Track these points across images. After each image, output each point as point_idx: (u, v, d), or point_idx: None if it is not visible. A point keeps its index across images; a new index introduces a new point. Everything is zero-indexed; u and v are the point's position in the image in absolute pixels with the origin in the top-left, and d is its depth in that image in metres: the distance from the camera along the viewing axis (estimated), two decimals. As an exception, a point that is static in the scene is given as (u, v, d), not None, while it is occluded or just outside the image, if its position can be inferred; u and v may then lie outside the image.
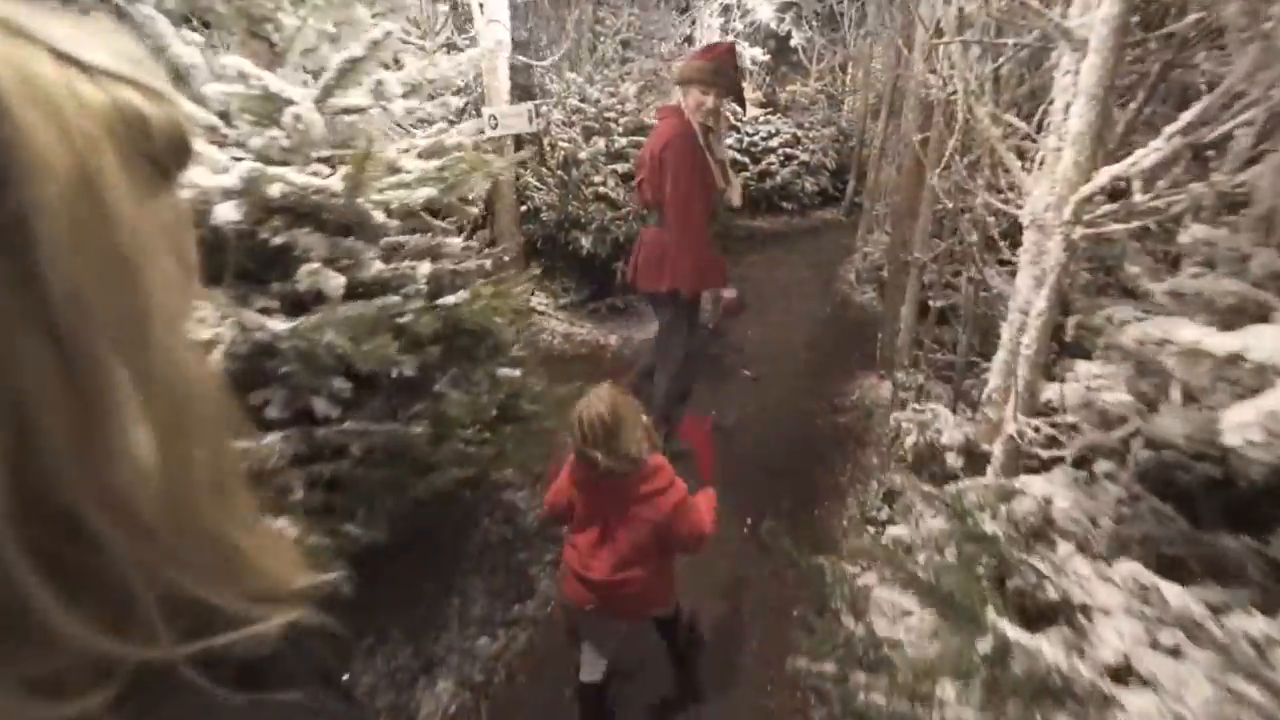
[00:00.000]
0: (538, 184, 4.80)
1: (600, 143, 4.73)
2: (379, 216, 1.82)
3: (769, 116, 9.16)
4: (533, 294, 5.41)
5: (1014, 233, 2.92)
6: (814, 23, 8.19)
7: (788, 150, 9.13)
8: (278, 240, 1.69)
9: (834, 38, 8.75)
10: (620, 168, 4.72)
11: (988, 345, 3.02)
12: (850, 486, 3.36)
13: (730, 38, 7.88)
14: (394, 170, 2.00)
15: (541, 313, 5.32)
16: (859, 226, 6.63)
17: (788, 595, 2.69)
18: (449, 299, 2.10)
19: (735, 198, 3.39)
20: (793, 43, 7.56)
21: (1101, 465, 1.61)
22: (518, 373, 2.70)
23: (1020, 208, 2.01)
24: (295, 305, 1.76)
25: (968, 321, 2.85)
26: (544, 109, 4.92)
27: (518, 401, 2.52)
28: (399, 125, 2.78)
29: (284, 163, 1.70)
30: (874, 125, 10.34)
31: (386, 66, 2.23)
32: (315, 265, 1.61)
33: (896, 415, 2.36)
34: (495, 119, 4.43)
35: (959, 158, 2.36)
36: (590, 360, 4.88)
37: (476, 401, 2.27)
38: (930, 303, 3.56)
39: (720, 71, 2.95)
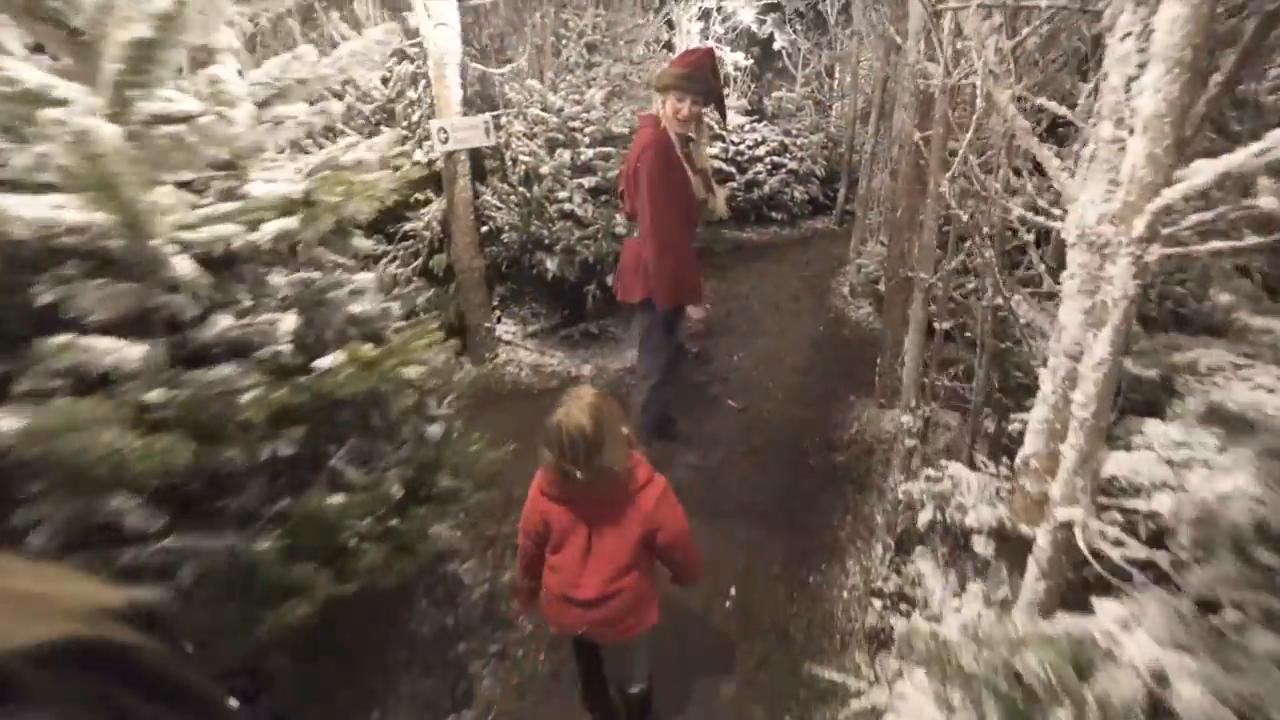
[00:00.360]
0: (497, 202, 4.31)
1: (565, 155, 4.25)
2: (181, 263, 1.31)
3: (754, 124, 8.71)
4: (499, 321, 4.92)
5: (1043, 245, 2.47)
6: (798, 25, 7.75)
7: (775, 159, 8.67)
8: (45, 297, 1.20)
9: (819, 41, 8.31)
10: (588, 181, 4.23)
11: (1008, 378, 2.53)
12: (850, 544, 2.85)
13: (710, 43, 7.44)
14: (230, 197, 1.51)
15: (508, 342, 4.83)
16: (852, 236, 6.16)
17: (780, 688, 2.18)
18: (324, 361, 1.60)
19: (720, 209, 3.20)
20: (776, 46, 7.13)
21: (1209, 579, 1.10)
22: (438, 429, 2.21)
23: (1059, 218, 1.51)
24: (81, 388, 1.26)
25: (983, 351, 2.35)
26: (504, 120, 4.45)
27: (435, 476, 2.02)
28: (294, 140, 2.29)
29: (51, 189, 1.21)
30: (864, 129, 9.92)
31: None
32: (66, 339, 1.12)
33: (907, 487, 1.86)
34: (446, 132, 3.96)
35: (972, 156, 1.87)
36: (561, 396, 4.37)
37: (375, 487, 1.78)
38: (936, 324, 3.07)
39: (696, 79, 2.76)
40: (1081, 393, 1.34)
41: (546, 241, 4.24)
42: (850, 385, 4.30)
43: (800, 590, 2.67)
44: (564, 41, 4.34)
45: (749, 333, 5.33)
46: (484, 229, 4.52)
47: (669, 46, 7.31)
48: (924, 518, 1.73)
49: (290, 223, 1.45)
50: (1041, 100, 1.54)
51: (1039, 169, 2.14)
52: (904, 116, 3.27)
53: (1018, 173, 2.06)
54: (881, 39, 5.07)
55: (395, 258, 4.68)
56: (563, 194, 4.24)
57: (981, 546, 1.62)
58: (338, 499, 1.70)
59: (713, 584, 2.72)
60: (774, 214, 8.77)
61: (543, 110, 4.22)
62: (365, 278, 2.16)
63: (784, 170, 8.70)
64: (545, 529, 1.66)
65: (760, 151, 8.61)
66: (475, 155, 4.59)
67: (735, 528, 3.05)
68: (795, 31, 7.30)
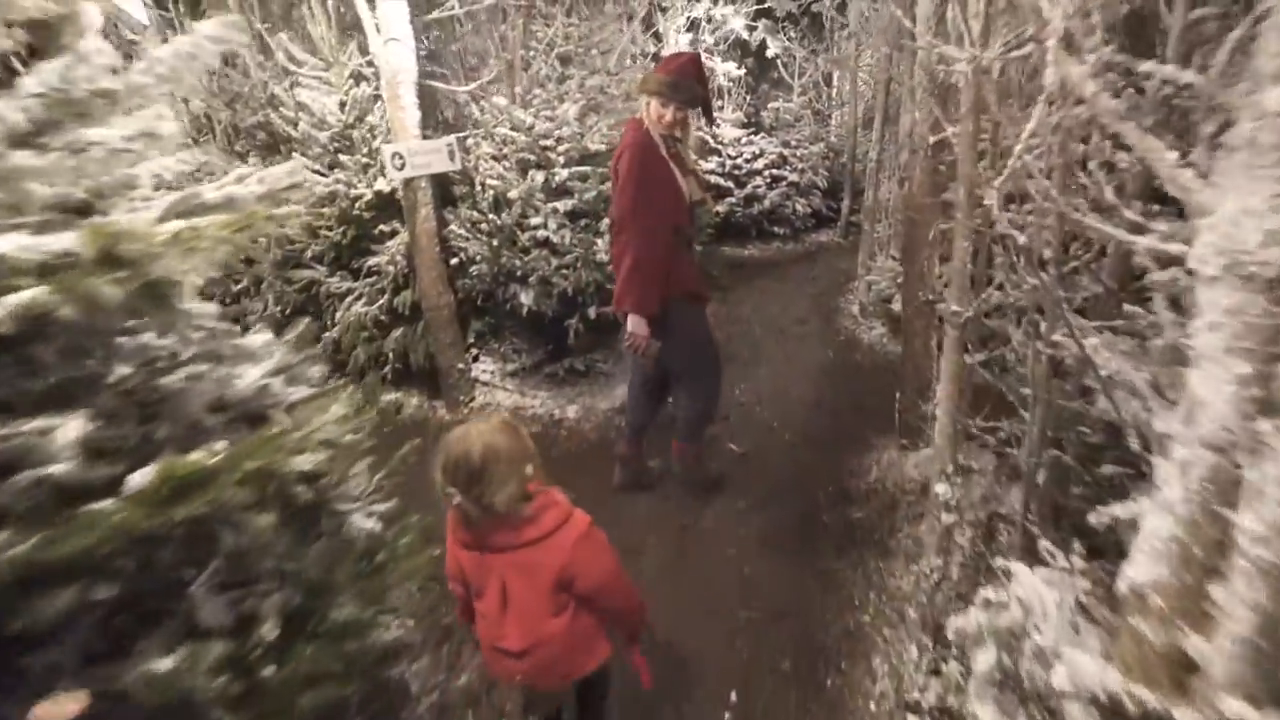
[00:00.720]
0: (464, 231, 3.86)
1: (538, 177, 3.80)
2: None
3: (751, 137, 8.27)
4: (475, 360, 4.45)
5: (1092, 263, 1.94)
6: (790, 31, 7.31)
7: (774, 171, 8.22)
8: None
9: (815, 48, 7.88)
10: (564, 205, 3.77)
11: (1065, 428, 2.00)
12: (875, 634, 2.31)
13: (699, 52, 7.04)
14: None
15: (486, 383, 4.35)
16: (859, 250, 5.65)
17: None
18: (137, 478, 1.13)
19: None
20: (770, 53, 6.70)
21: None
22: (360, 523, 1.74)
23: (1179, 240, 1.02)
24: None
25: (1038, 404, 1.83)
26: (470, 142, 4.01)
27: (332, 601, 1.53)
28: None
29: None
30: (867, 137, 9.44)
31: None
32: None
33: (956, 623, 1.34)
34: (402, 158, 3.52)
35: (1027, 155, 1.38)
36: (542, 443, 3.87)
37: (241, 629, 1.29)
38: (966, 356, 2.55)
39: (681, 86, 2.63)
40: (1257, 519, 0.83)
41: (519, 273, 3.77)
42: (866, 421, 3.77)
43: (816, 696, 2.14)
44: (532, 54, 3.90)
45: (751, 361, 4.82)
46: (454, 260, 4.07)
47: (656, 59, 6.90)
48: (983, 662, 1.22)
49: (37, 294, 0.97)
50: (1150, 65, 1.04)
51: (1109, 168, 1.63)
52: (916, 116, 2.78)
53: (1083, 170, 1.56)
54: (883, 34, 4.60)
55: (361, 295, 4.24)
56: (536, 220, 3.79)
57: (1077, 715, 1.10)
58: (173, 658, 1.22)
59: (708, 685, 2.20)
60: (775, 229, 8.29)
61: (511, 129, 3.77)
62: (251, 341, 1.69)
63: (784, 183, 8.24)
64: (463, 574, 1.50)
65: (758, 165, 8.16)
66: (442, 182, 4.16)
67: (735, 606, 2.53)
68: (789, 39, 6.87)
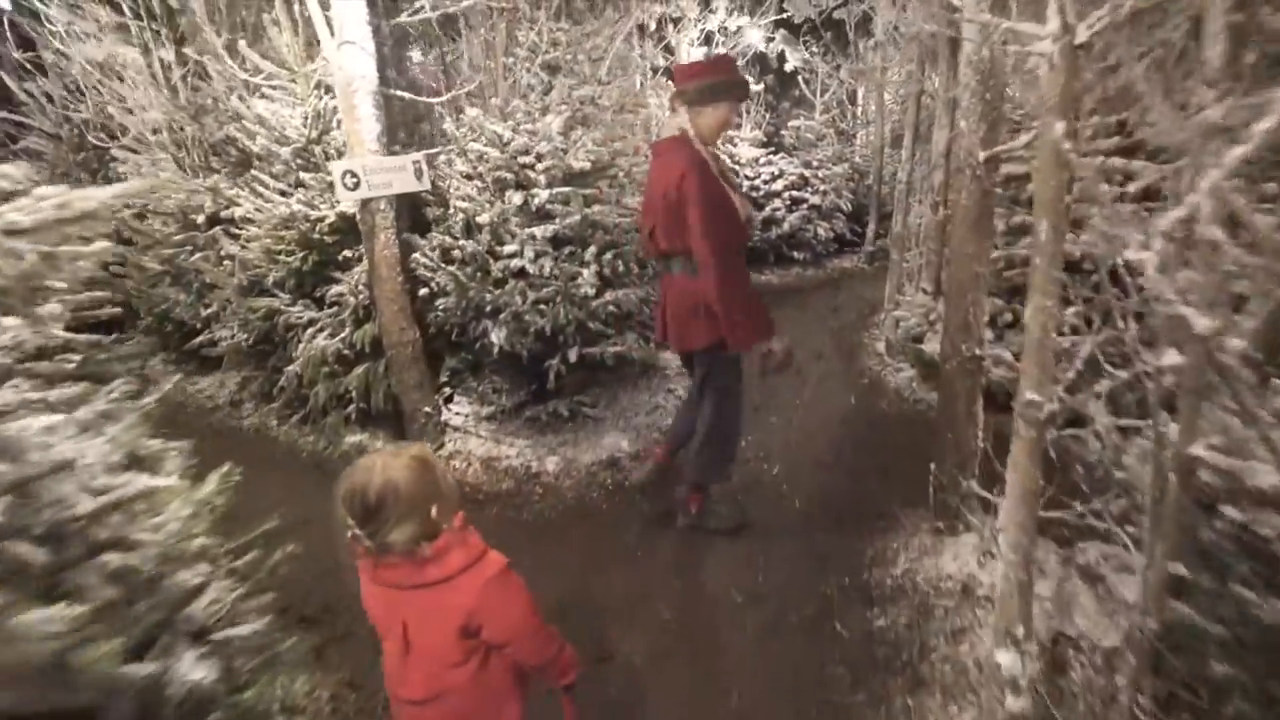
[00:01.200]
0: (429, 261, 3.33)
1: (515, 198, 3.27)
2: None
3: (770, 156, 7.70)
4: (449, 401, 3.91)
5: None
6: (813, 45, 6.74)
7: (795, 193, 7.63)
8: None
9: (839, 63, 7.29)
10: (543, 230, 3.23)
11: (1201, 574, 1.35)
12: (910, 824, 1.67)
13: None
14: None
15: (458, 428, 3.80)
16: (886, 280, 5.00)
17: None
18: None
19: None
20: (789, 66, 6.15)
21: None
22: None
23: None
24: None
25: (1158, 532, 1.20)
26: (442, 160, 3.51)
27: None
28: None
29: None
30: (895, 155, 8.78)
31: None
32: None
33: None
34: (356, 176, 3.02)
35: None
36: (514, 502, 3.31)
37: None
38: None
39: (739, 82, 2.44)
40: None
41: (489, 307, 3.23)
42: (893, 490, 3.12)
43: None
44: (512, 61, 3.39)
45: (762, 407, 4.20)
46: (424, 291, 3.55)
47: (669, 73, 6.40)
48: None
49: None
50: None
51: None
52: (962, 126, 2.18)
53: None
54: (914, 42, 4.00)
55: (324, 326, 3.74)
56: (510, 247, 3.25)
57: None
58: None
59: None
60: (795, 253, 7.68)
61: (485, 144, 3.25)
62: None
63: (805, 205, 7.63)
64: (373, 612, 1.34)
65: (778, 186, 7.58)
66: (414, 204, 3.66)
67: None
68: (811, 52, 6.30)
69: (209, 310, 4.36)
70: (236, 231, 3.85)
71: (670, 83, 6.41)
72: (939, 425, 2.66)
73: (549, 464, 3.61)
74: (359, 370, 3.67)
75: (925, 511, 2.84)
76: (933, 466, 2.72)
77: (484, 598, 1.23)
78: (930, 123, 4.92)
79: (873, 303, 6.22)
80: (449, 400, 3.89)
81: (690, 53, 6.07)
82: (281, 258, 3.64)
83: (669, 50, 6.12)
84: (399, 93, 3.25)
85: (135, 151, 4.22)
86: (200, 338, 4.36)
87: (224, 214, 4.00)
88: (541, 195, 3.23)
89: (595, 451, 3.69)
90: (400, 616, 1.26)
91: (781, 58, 6.10)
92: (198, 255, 4.11)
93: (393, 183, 3.17)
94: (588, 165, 3.25)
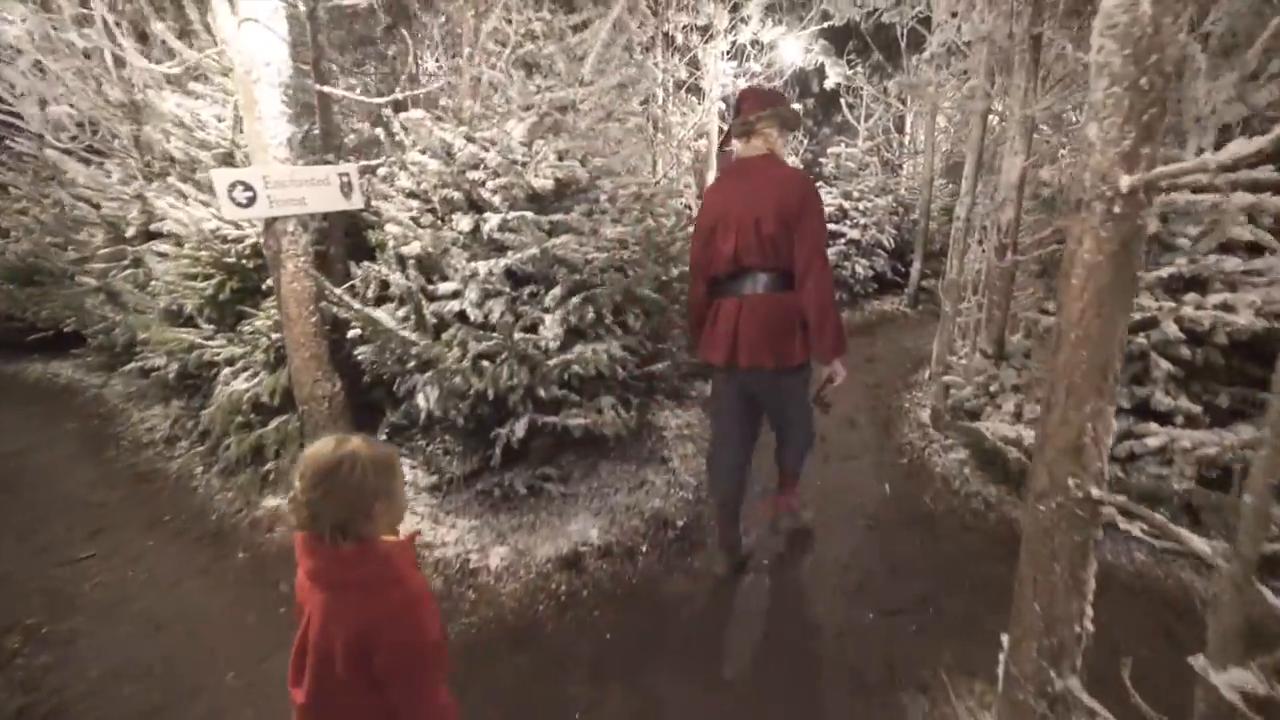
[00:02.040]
0: (339, 298, 2.57)
1: (463, 223, 2.50)
2: None
3: (806, 186, 6.80)
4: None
5: None
6: (857, 60, 5.85)
7: (830, 226, 6.69)
8: None
9: (884, 85, 6.37)
10: (488, 266, 2.44)
11: None
12: None
13: (744, 83, 5.70)
14: None
15: (391, 500, 3.01)
16: (936, 337, 4.02)
17: None
18: None
19: None
20: (829, 83, 5.30)
21: None
22: None
23: None
24: None
25: None
26: (380, 173, 2.76)
27: None
28: None
29: None
30: (945, 189, 7.78)
31: None
32: None
33: None
34: (251, 190, 2.29)
35: None
36: (438, 605, 2.48)
37: None
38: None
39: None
40: None
41: (414, 361, 2.44)
42: (938, 640, 2.18)
43: None
44: (472, 53, 2.64)
45: (774, 485, 3.29)
46: (354, 333, 2.79)
47: (695, 91, 5.62)
48: None
49: None
50: None
51: None
52: (1093, 134, 1.28)
53: None
54: (985, 44, 3.09)
55: (247, 367, 3.02)
56: (448, 284, 2.47)
57: None
58: None
59: None
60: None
61: (421, 153, 2.50)
62: None
63: (842, 240, 6.71)
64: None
65: (813, 218, 6.66)
66: (351, 226, 2.93)
67: None
68: (854, 68, 5.44)
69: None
70: (163, 250, 3.19)
71: (725, 106, 5.49)
72: (1022, 585, 1.71)
73: (493, 556, 2.77)
74: (277, 422, 2.93)
75: (985, 686, 1.90)
76: (1004, 640, 1.77)
77: (384, 621, 1.08)
78: (997, 148, 3.98)
79: (916, 356, 5.24)
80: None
81: (720, 69, 5.28)
82: (196, 283, 2.94)
83: (694, 64, 5.35)
84: (326, 88, 2.52)
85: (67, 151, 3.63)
86: (131, 365, 3.72)
87: (154, 227, 3.36)
88: (491, 221, 2.44)
89: (556, 542, 2.84)
90: (308, 609, 1.15)
91: (821, 72, 5.26)
92: (127, 272, 3.47)
93: (307, 199, 2.44)
94: (550, 184, 2.45)
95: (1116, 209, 1.29)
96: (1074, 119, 3.41)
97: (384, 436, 3.12)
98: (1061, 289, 1.45)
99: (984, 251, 3.83)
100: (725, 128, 7.11)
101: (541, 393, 2.41)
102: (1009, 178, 3.27)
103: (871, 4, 4.00)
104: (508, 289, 2.63)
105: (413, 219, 2.59)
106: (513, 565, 2.73)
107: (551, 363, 2.46)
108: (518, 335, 2.47)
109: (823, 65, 5.19)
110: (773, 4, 5.43)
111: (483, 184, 2.47)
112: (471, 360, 2.47)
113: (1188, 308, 2.75)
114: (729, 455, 2.49)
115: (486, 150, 2.56)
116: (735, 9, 5.05)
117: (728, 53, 5.35)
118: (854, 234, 6.75)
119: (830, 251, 6.63)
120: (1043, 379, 3.18)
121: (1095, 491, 1.44)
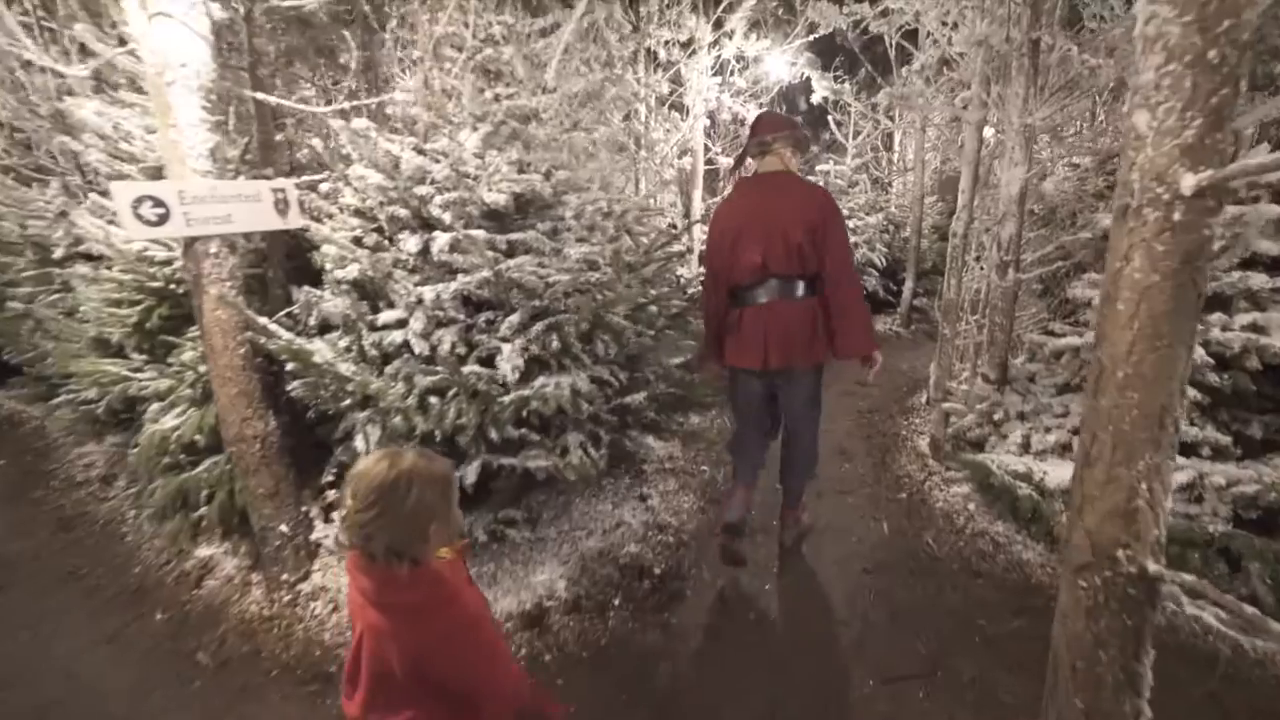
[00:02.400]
0: (273, 326, 2.26)
1: (410, 244, 2.22)
2: None
3: (794, 204, 6.59)
4: (335, 510, 2.80)
5: None
6: (844, 76, 5.66)
7: (821, 245, 6.47)
8: None
9: (873, 101, 6.20)
10: (435, 291, 2.15)
11: None
12: None
13: (731, 101, 5.50)
14: None
15: (335, 552, 2.67)
16: (934, 360, 3.74)
17: None
18: None
19: None
20: (815, 98, 5.12)
21: None
22: None
23: None
24: None
25: None
26: (324, 189, 2.48)
27: None
28: None
29: None
30: (935, 207, 7.59)
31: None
32: None
33: None
34: (163, 206, 2.00)
35: None
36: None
37: None
38: None
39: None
40: None
41: (349, 399, 2.14)
42: (945, 698, 1.86)
43: None
44: (423, 56, 2.38)
45: (759, 526, 2.98)
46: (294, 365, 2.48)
47: (677, 108, 5.41)
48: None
49: None
50: None
51: None
52: (1140, 122, 1.01)
53: None
54: (979, 49, 2.86)
55: (176, 402, 2.70)
56: (390, 314, 2.17)
57: None
58: None
59: None
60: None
61: (369, 167, 2.22)
62: None
63: (832, 259, 6.45)
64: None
65: (802, 236, 6.43)
66: (295, 248, 2.64)
67: None
68: (840, 81, 5.25)
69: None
70: (84, 273, 2.88)
71: (710, 123, 5.45)
72: (1057, 670, 1.40)
73: (447, 614, 2.43)
74: (209, 463, 2.60)
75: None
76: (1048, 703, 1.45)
77: (442, 647, 1.04)
78: (993, 161, 3.76)
79: (911, 379, 4.97)
80: (333, 507, 2.78)
81: (702, 84, 5.07)
82: (121, 310, 2.64)
83: (677, 80, 5.14)
84: (261, 95, 2.24)
85: None
86: (63, 398, 3.39)
87: (84, 248, 3.06)
88: (440, 240, 2.15)
89: (518, 595, 2.52)
90: (360, 628, 1.09)
91: (808, 89, 5.07)
92: (55, 297, 3.16)
93: (234, 217, 2.15)
94: (503, 199, 2.17)
95: (1177, 216, 1.01)
96: (1076, 128, 3.19)
97: (330, 478, 2.80)
98: (1103, 317, 1.17)
99: (983, 269, 3.58)
100: (710, 144, 6.95)
101: (494, 434, 2.10)
102: (1009, 191, 3.03)
103: (859, 13, 3.80)
104: (462, 316, 2.34)
105: (356, 239, 2.30)
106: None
107: (507, 399, 2.16)
108: (470, 368, 2.17)
109: (809, 82, 4.99)
110: (757, 20, 5.26)
111: (430, 200, 2.19)
112: (418, 397, 2.16)
113: (1215, 329, 2.48)
114: (754, 436, 2.66)
115: (437, 162, 2.28)
116: (719, 24, 4.87)
117: (712, 68, 5.15)
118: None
119: (820, 271, 6.39)
120: (1077, 423, 2.90)
121: (1153, 566, 1.14)
